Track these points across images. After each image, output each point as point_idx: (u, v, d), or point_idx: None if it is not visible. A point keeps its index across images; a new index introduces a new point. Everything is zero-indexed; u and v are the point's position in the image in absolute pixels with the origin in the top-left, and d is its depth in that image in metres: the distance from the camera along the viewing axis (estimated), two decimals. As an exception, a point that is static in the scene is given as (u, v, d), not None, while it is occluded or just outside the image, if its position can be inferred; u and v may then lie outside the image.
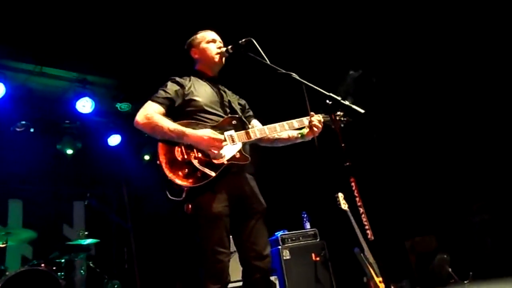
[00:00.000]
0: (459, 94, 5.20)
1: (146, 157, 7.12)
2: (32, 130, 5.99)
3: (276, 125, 2.52)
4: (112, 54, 5.32)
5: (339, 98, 2.11)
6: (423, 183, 5.53)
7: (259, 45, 2.38)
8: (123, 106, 6.19)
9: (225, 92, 2.65)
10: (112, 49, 5.25)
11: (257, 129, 2.49)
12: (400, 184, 5.64)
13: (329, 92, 2.16)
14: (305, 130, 2.58)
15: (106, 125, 6.67)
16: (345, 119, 2.65)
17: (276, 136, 2.65)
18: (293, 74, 2.28)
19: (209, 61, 2.63)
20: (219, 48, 2.62)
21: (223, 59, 2.63)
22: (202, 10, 4.84)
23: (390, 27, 5.33)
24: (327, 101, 2.13)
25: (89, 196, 5.51)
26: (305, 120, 2.58)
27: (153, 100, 2.38)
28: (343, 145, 2.05)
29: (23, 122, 5.89)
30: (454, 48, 5.14)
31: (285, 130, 2.56)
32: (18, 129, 5.87)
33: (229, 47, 2.57)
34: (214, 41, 2.65)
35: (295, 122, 2.57)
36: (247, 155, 2.39)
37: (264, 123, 2.67)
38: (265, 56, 2.36)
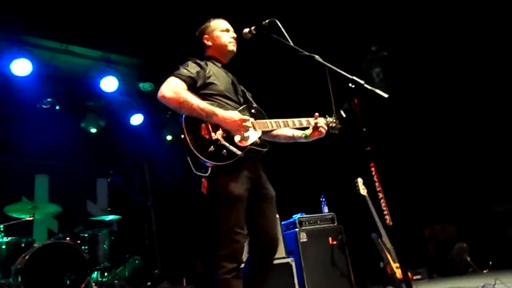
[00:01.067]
0: (485, 83, 5.05)
1: (169, 137, 7.19)
2: (57, 107, 6.12)
3: (288, 120, 2.56)
4: (136, 33, 5.36)
5: (362, 82, 2.07)
6: (446, 170, 5.44)
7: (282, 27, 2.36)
8: (145, 86, 6.24)
9: (236, 80, 2.66)
10: (136, 29, 5.28)
11: (273, 121, 2.51)
12: (421, 171, 5.57)
13: (352, 76, 2.12)
14: (309, 131, 2.64)
15: (129, 104, 6.75)
16: (338, 126, 2.70)
17: (280, 132, 2.69)
18: (316, 56, 2.25)
19: (223, 49, 2.63)
20: (233, 37, 2.64)
21: (236, 48, 2.64)
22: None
23: (413, 11, 5.17)
24: (350, 84, 2.10)
25: (112, 174, 5.62)
26: (312, 121, 2.62)
27: (176, 76, 2.35)
28: (364, 129, 2.02)
29: (49, 100, 6.02)
30: (482, 37, 4.96)
31: (294, 125, 2.60)
32: (44, 106, 6.00)
33: (252, 28, 2.54)
34: (228, 30, 2.66)
35: (304, 120, 2.62)
36: (265, 142, 2.43)
37: (281, 107, 2.66)
38: (288, 38, 2.34)
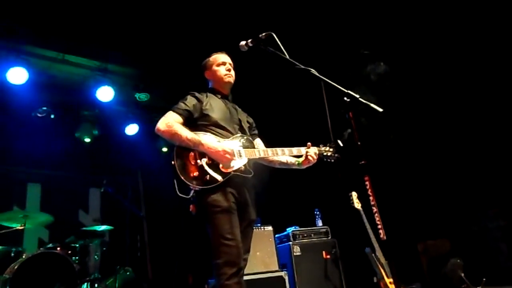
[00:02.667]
0: (477, 99, 5.10)
1: (164, 149, 7.20)
2: (52, 116, 6.10)
3: (278, 149, 2.79)
4: (133, 44, 5.38)
5: (357, 96, 2.09)
6: (439, 186, 5.45)
7: (279, 40, 2.39)
8: (141, 96, 6.26)
9: (236, 110, 2.93)
10: (133, 40, 5.31)
11: (262, 150, 2.78)
12: (415, 186, 5.58)
13: (347, 90, 2.14)
14: (302, 159, 2.88)
15: (124, 114, 6.75)
16: (334, 155, 2.96)
17: (276, 159, 2.93)
18: (312, 69, 2.28)
19: (220, 81, 2.92)
20: (228, 70, 2.91)
21: (232, 79, 2.93)
22: (221, 5, 4.84)
23: (411, 26, 5.25)
24: (345, 98, 2.11)
25: (105, 184, 5.58)
26: (303, 150, 2.86)
27: (173, 111, 2.66)
28: (359, 143, 2.04)
29: (44, 108, 6.01)
30: (473, 51, 5.03)
31: (284, 155, 2.84)
32: (39, 115, 5.99)
33: (249, 40, 2.58)
34: (224, 63, 2.93)
35: (294, 150, 2.84)
36: (250, 169, 2.68)
37: (278, 122, 2.69)
38: (284, 51, 2.36)
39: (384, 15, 5.25)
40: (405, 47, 5.40)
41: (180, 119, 2.63)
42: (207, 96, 2.83)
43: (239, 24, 2.82)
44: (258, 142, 3.00)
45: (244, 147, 2.71)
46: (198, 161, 2.48)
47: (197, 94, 2.80)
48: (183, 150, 2.51)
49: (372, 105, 2.08)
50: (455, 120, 5.35)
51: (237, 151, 2.62)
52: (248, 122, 2.99)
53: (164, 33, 5.22)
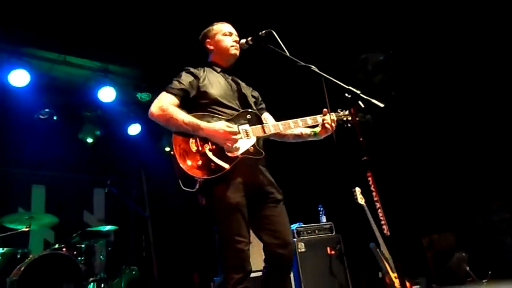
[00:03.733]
0: (480, 92, 5.08)
1: (167, 149, 7.20)
2: (55, 117, 6.12)
3: (290, 121, 2.50)
4: (134, 44, 5.38)
5: (358, 92, 2.09)
6: (443, 179, 5.44)
7: (278, 37, 2.38)
8: (143, 96, 6.26)
9: (239, 84, 2.63)
10: (134, 40, 5.31)
11: (271, 125, 2.47)
12: (418, 180, 5.56)
13: (348, 86, 2.14)
14: (318, 128, 2.58)
15: (126, 115, 6.76)
16: (354, 119, 2.55)
17: (288, 132, 2.62)
18: (312, 66, 2.27)
19: (224, 53, 2.62)
20: (235, 41, 2.61)
21: (238, 51, 2.62)
22: (222, 3, 4.84)
23: (414, 22, 5.22)
24: (346, 94, 2.11)
25: (109, 184, 5.60)
26: (319, 118, 2.56)
27: (167, 91, 2.38)
28: (361, 139, 2.03)
29: (47, 110, 6.03)
30: (477, 46, 5.00)
31: (298, 126, 2.54)
32: (41, 117, 6.00)
33: (249, 38, 2.56)
34: (230, 34, 2.64)
35: (309, 119, 2.56)
36: (261, 149, 2.38)
37: (280, 115, 2.67)
38: (284, 48, 2.36)
39: (386, 10, 5.22)
40: (407, 41, 5.38)
41: (175, 100, 2.34)
42: (204, 71, 2.53)
43: (239, 22, 2.79)
44: (266, 116, 2.69)
45: (251, 124, 2.40)
46: (200, 148, 2.21)
47: (192, 70, 2.50)
48: (182, 136, 2.24)
49: (373, 100, 2.07)
50: (458, 113, 5.33)
51: (243, 130, 2.34)
52: (253, 96, 2.69)
53: (164, 32, 5.22)
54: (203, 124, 2.24)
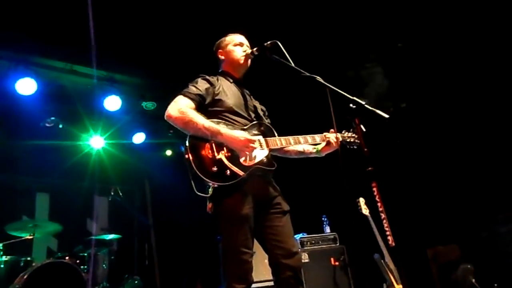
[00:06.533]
0: (484, 103, 5.07)
1: (168, 153, 7.20)
2: (61, 126, 6.16)
3: (300, 137, 2.55)
4: (139, 54, 5.43)
5: (363, 103, 2.09)
6: (448, 191, 5.41)
7: (284, 48, 2.40)
8: (148, 105, 6.29)
9: (249, 95, 2.67)
10: (139, 49, 5.36)
11: (283, 138, 2.51)
12: (423, 191, 5.54)
13: (353, 96, 2.14)
14: (321, 146, 2.65)
15: (131, 123, 6.79)
16: (357, 141, 2.68)
17: (291, 148, 2.68)
18: (317, 77, 2.28)
19: (235, 63, 2.66)
20: (245, 51, 2.65)
21: (249, 61, 2.66)
22: (228, 12, 4.88)
23: (419, 34, 5.24)
24: (351, 105, 2.11)
25: (113, 192, 5.61)
26: (324, 136, 2.65)
27: (184, 95, 2.37)
28: (366, 149, 2.03)
29: (53, 118, 6.07)
30: (482, 51, 5.01)
31: (307, 142, 2.60)
32: (47, 125, 6.04)
33: (255, 49, 2.59)
34: (241, 44, 2.69)
35: (317, 137, 2.62)
36: (273, 161, 2.42)
37: (284, 128, 2.68)
38: (290, 59, 2.37)
39: (387, 21, 5.25)
40: (411, 50, 5.39)
41: (192, 104, 2.34)
42: (218, 80, 2.56)
43: (245, 33, 2.81)
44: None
45: (265, 136, 2.44)
46: (216, 153, 2.21)
47: (207, 77, 2.52)
48: (197, 141, 2.23)
49: (378, 111, 2.07)
50: (462, 123, 5.32)
51: (258, 140, 2.38)
52: (262, 109, 2.74)
53: (170, 42, 5.26)
54: (223, 129, 2.26)
